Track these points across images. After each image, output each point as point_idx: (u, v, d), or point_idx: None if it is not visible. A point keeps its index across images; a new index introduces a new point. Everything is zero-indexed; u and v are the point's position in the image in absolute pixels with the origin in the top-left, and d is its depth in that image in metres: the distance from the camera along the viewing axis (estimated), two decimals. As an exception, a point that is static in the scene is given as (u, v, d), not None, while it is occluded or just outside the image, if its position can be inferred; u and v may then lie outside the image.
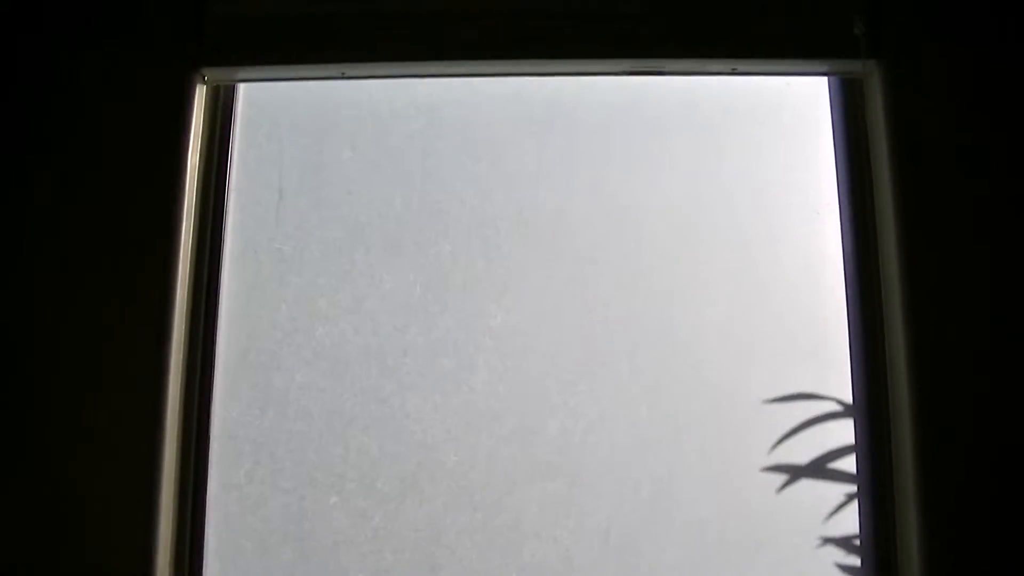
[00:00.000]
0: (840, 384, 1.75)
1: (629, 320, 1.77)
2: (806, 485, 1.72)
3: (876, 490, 1.70)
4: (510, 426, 1.73)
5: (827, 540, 1.71)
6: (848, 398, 1.74)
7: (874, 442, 1.71)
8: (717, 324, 1.76)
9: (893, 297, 1.69)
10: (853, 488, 1.72)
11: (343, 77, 1.82)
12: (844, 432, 1.74)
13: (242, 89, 1.85)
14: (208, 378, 1.73)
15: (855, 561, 1.70)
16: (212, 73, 1.79)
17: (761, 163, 1.82)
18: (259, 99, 1.85)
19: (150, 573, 1.59)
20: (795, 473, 1.73)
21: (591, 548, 1.70)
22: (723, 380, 1.75)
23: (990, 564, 1.59)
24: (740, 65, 1.79)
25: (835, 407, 1.75)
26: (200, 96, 1.77)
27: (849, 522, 1.71)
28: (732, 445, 1.73)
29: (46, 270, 1.69)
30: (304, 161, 1.82)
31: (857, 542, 1.71)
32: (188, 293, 1.72)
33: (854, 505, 1.72)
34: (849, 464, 1.73)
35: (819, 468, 1.73)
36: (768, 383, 1.74)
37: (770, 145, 1.83)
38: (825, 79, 1.84)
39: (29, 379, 1.66)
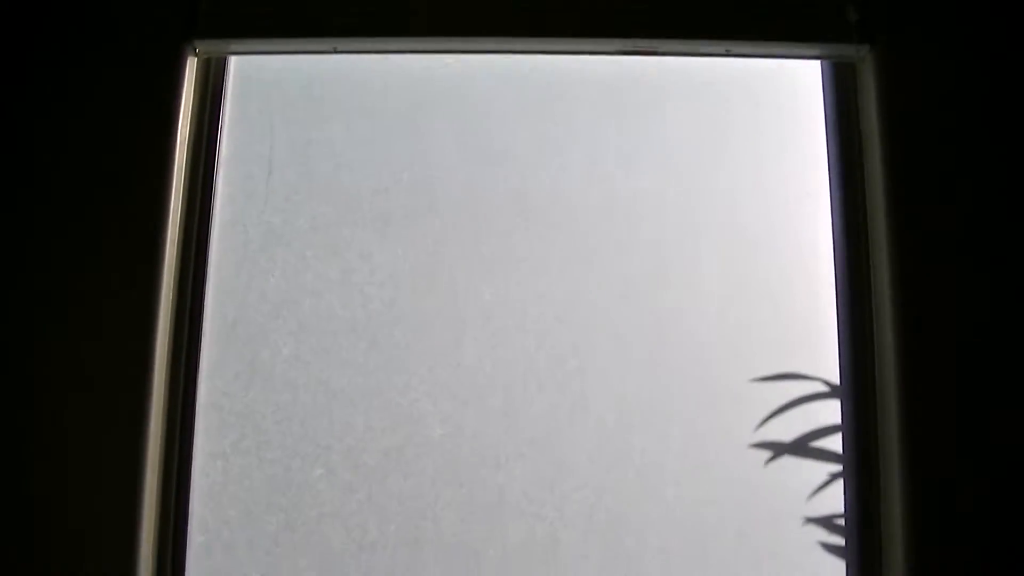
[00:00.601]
0: (828, 364, 1.75)
1: (618, 299, 1.77)
2: (792, 465, 1.73)
3: (861, 470, 1.71)
4: (497, 402, 1.73)
5: (811, 519, 1.72)
6: (834, 378, 1.75)
7: (860, 422, 1.72)
8: (707, 304, 1.77)
9: (882, 280, 1.70)
10: (837, 467, 1.73)
11: (335, 52, 1.81)
12: (830, 412, 1.75)
13: (233, 62, 1.84)
14: (195, 349, 1.73)
15: (839, 540, 1.71)
16: (203, 45, 1.78)
17: (754, 145, 1.82)
18: (250, 72, 1.84)
19: (134, 541, 1.59)
20: (781, 451, 1.74)
21: (576, 525, 1.70)
22: (711, 359, 1.75)
23: (973, 546, 1.60)
24: (734, 47, 1.79)
25: (821, 387, 1.76)
26: (191, 68, 1.77)
27: (834, 502, 1.72)
28: (719, 424, 1.73)
29: (31, 239, 1.68)
30: (294, 135, 1.81)
31: (840, 521, 1.72)
32: (176, 264, 1.71)
33: (838, 485, 1.73)
34: (834, 443, 1.74)
35: (804, 447, 1.74)
36: (757, 363, 1.75)
37: (763, 127, 1.83)
38: (819, 63, 1.84)
39: (15, 348, 1.65)
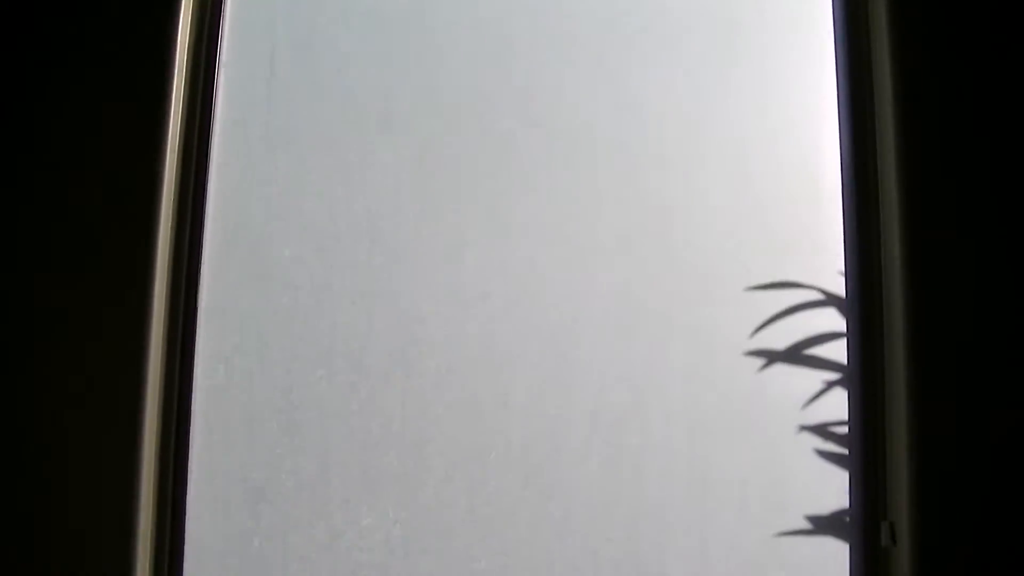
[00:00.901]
0: (828, 274, 1.77)
1: (623, 204, 1.77)
2: (788, 372, 1.75)
3: (864, 379, 1.73)
4: (499, 303, 1.73)
5: (806, 427, 1.74)
6: (831, 287, 1.77)
7: (864, 330, 1.74)
8: (712, 213, 1.77)
9: (889, 189, 1.70)
10: (834, 376, 1.75)
11: (337, -46, 1.80)
12: (827, 320, 1.76)
13: (234, -36, 1.83)
14: (196, 253, 1.72)
15: (833, 447, 1.73)
16: (203, -53, 1.76)
17: (762, 53, 1.82)
18: (251, -25, 1.83)
19: (136, 447, 1.58)
20: (778, 359, 1.75)
21: (579, 427, 1.72)
22: (714, 268, 1.76)
23: (980, 451, 1.62)
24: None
25: (818, 296, 1.77)
26: (191, -31, 1.75)
27: (830, 410, 1.74)
28: (718, 330, 1.75)
29: (29, 147, 1.66)
30: (297, 37, 1.79)
31: (835, 429, 1.74)
32: (177, 167, 1.70)
33: (834, 393, 1.75)
34: (831, 351, 1.76)
35: (801, 355, 1.76)
36: (757, 271, 1.76)
37: (772, 39, 1.83)
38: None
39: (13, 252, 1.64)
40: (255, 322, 1.72)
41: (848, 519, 1.72)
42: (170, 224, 1.69)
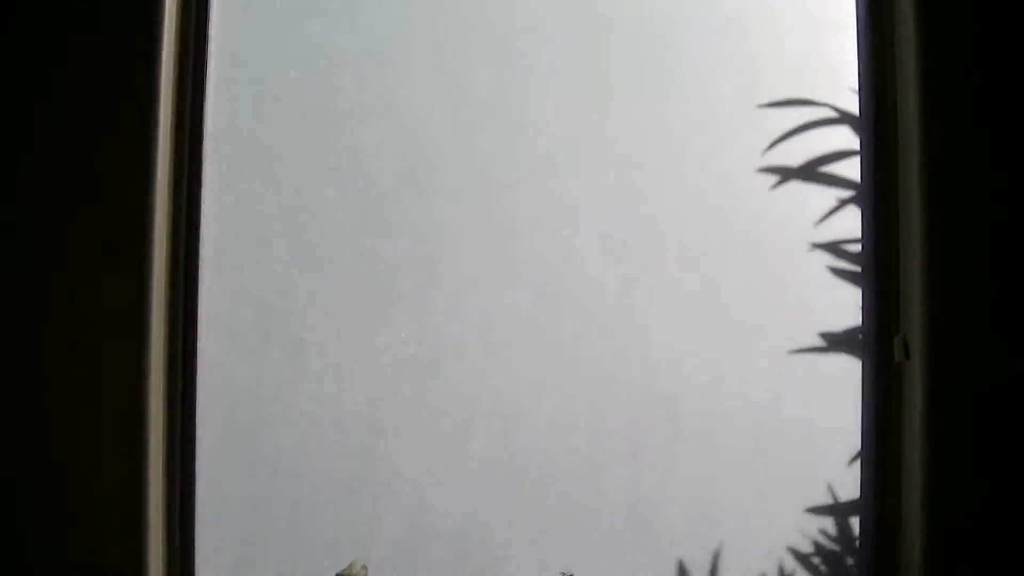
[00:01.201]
0: (847, 92, 1.75)
1: (635, 32, 1.74)
2: (801, 189, 1.73)
3: (879, 197, 1.72)
4: (509, 119, 1.72)
5: (820, 245, 1.73)
6: (844, 105, 1.75)
7: (879, 150, 1.73)
8: (724, 30, 1.74)
9: (905, 7, 1.67)
10: (847, 193, 1.74)
11: None
12: (841, 138, 1.74)
13: None
14: (201, 77, 1.69)
15: (846, 265, 1.73)
16: None
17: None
18: None
19: (145, 273, 1.58)
20: (791, 176, 1.74)
21: (590, 247, 1.71)
22: (726, 86, 1.74)
23: (994, 263, 1.62)
24: None
25: (832, 113, 1.75)
26: None
27: (843, 227, 1.73)
28: (731, 148, 1.73)
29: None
30: None
31: (849, 247, 1.73)
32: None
33: (847, 210, 1.74)
34: (844, 169, 1.74)
35: (814, 172, 1.74)
36: (774, 89, 1.74)
37: None
38: None
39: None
40: (263, 145, 1.70)
41: (861, 335, 1.72)
42: (173, 50, 1.65)
